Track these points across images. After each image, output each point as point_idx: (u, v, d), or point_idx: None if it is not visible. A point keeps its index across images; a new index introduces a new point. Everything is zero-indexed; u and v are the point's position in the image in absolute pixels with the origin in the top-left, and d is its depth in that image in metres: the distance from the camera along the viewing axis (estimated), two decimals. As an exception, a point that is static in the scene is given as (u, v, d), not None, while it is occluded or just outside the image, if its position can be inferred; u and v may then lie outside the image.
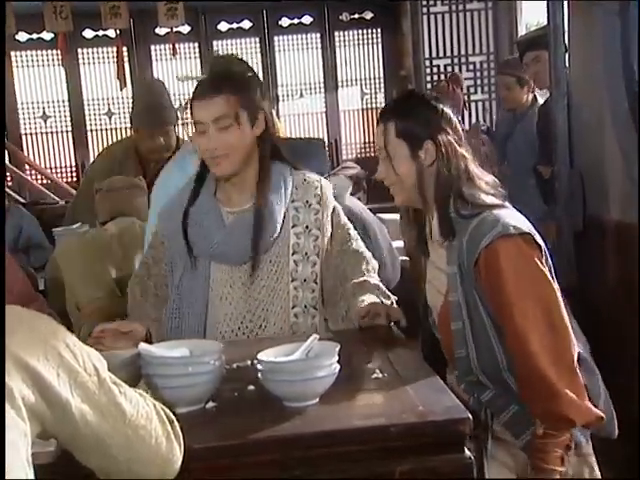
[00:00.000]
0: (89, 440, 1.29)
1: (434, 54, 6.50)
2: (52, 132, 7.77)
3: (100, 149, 7.40)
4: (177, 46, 7.27)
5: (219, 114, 2.21)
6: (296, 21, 7.77)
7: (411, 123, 2.07)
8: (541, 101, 4.54)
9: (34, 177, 7.36)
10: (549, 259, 2.01)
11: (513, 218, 1.97)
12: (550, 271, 1.98)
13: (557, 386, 1.86)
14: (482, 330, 1.99)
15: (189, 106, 2.25)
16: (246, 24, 7.72)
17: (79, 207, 4.17)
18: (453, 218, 2.01)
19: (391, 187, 2.13)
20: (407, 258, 3.84)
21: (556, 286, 1.96)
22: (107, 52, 7.58)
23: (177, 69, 7.69)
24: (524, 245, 1.94)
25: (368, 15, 7.84)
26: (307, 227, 2.37)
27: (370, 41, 7.91)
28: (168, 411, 1.43)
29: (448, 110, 2.09)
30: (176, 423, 1.43)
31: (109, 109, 7.77)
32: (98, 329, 2.14)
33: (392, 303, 2.30)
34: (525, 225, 1.97)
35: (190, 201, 2.35)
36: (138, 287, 2.40)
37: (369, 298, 2.27)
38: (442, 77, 6.26)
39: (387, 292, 2.35)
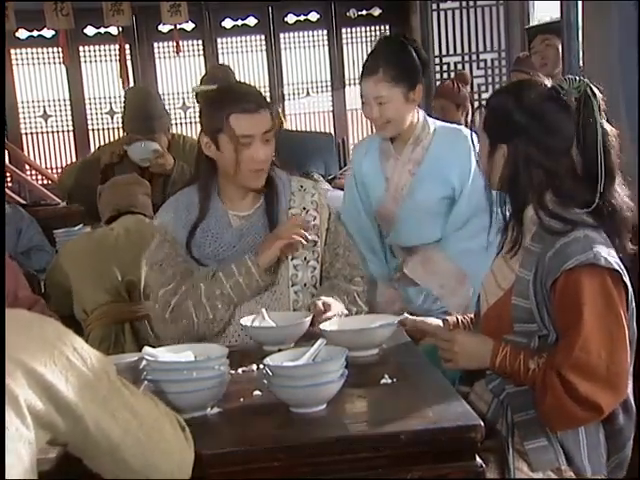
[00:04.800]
0: (101, 445, 1.28)
1: (444, 51, 6.46)
2: (53, 131, 7.73)
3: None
4: (181, 43, 7.23)
5: (268, 127, 2.33)
6: (302, 18, 7.74)
7: (494, 119, 1.99)
8: None
9: (34, 177, 7.29)
10: (633, 301, 1.90)
11: (605, 248, 1.86)
12: (632, 314, 1.89)
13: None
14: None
15: (227, 119, 2.30)
16: (251, 21, 7.68)
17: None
18: (539, 228, 1.93)
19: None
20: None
21: (629, 332, 1.88)
22: (109, 50, 7.58)
23: (181, 67, 7.63)
24: (609, 282, 1.84)
25: (376, 11, 7.78)
26: None
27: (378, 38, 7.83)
28: (179, 417, 1.42)
29: (554, 115, 1.93)
30: (187, 428, 1.43)
31: (111, 108, 7.70)
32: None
33: (355, 312, 2.36)
34: (615, 260, 1.85)
35: (202, 209, 2.40)
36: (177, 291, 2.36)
37: (325, 299, 2.30)
38: (452, 75, 6.16)
39: (358, 301, 2.40)
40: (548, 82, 1.99)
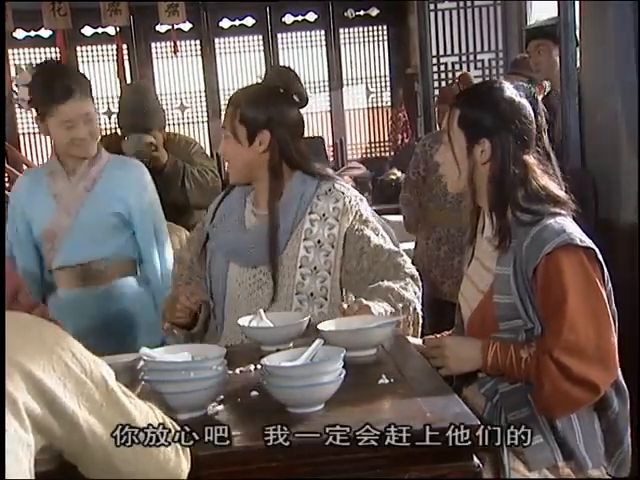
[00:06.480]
0: (97, 454, 1.28)
1: (441, 52, 6.44)
2: (50, 132, 7.67)
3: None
4: (178, 44, 7.22)
5: (226, 125, 2.37)
6: (300, 18, 7.76)
7: (473, 115, 2.00)
8: None
9: (32, 178, 7.24)
10: (609, 282, 1.94)
11: (577, 230, 1.92)
12: (609, 294, 1.93)
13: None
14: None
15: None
16: (249, 21, 7.70)
17: None
18: (511, 223, 1.96)
19: (445, 176, 2.08)
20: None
21: (611, 310, 1.92)
22: (107, 50, 7.59)
23: (178, 67, 7.63)
24: (587, 260, 1.89)
25: (374, 12, 7.81)
26: (319, 241, 2.36)
27: (376, 38, 7.89)
28: (176, 425, 1.41)
29: (527, 110, 2.00)
30: (183, 434, 1.41)
31: (109, 108, 7.70)
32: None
33: (403, 307, 2.20)
34: (587, 239, 1.91)
35: (222, 196, 2.51)
36: (185, 273, 2.53)
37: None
38: (449, 75, 6.18)
39: (402, 294, 2.22)
40: (510, 84, 2.05)
